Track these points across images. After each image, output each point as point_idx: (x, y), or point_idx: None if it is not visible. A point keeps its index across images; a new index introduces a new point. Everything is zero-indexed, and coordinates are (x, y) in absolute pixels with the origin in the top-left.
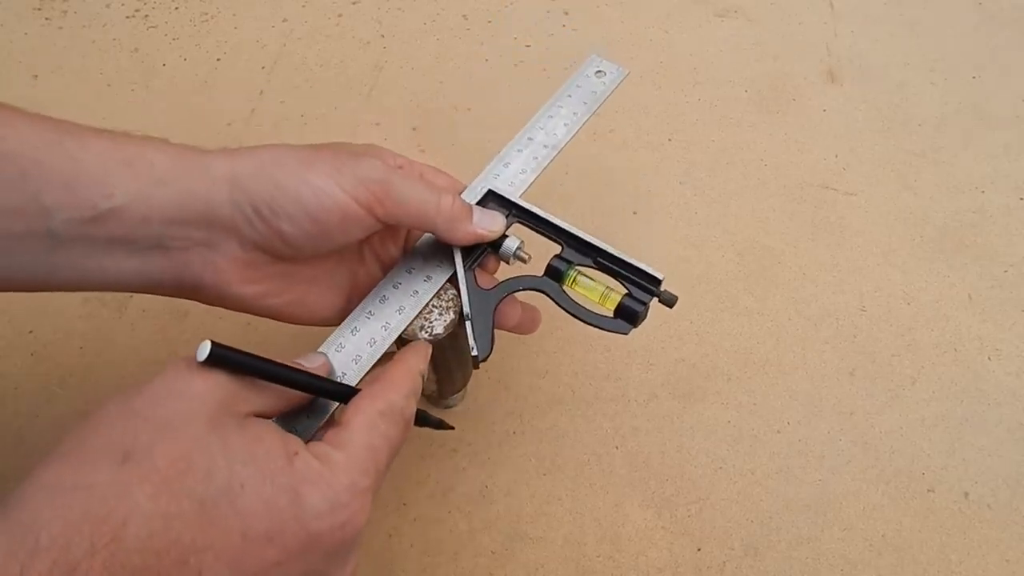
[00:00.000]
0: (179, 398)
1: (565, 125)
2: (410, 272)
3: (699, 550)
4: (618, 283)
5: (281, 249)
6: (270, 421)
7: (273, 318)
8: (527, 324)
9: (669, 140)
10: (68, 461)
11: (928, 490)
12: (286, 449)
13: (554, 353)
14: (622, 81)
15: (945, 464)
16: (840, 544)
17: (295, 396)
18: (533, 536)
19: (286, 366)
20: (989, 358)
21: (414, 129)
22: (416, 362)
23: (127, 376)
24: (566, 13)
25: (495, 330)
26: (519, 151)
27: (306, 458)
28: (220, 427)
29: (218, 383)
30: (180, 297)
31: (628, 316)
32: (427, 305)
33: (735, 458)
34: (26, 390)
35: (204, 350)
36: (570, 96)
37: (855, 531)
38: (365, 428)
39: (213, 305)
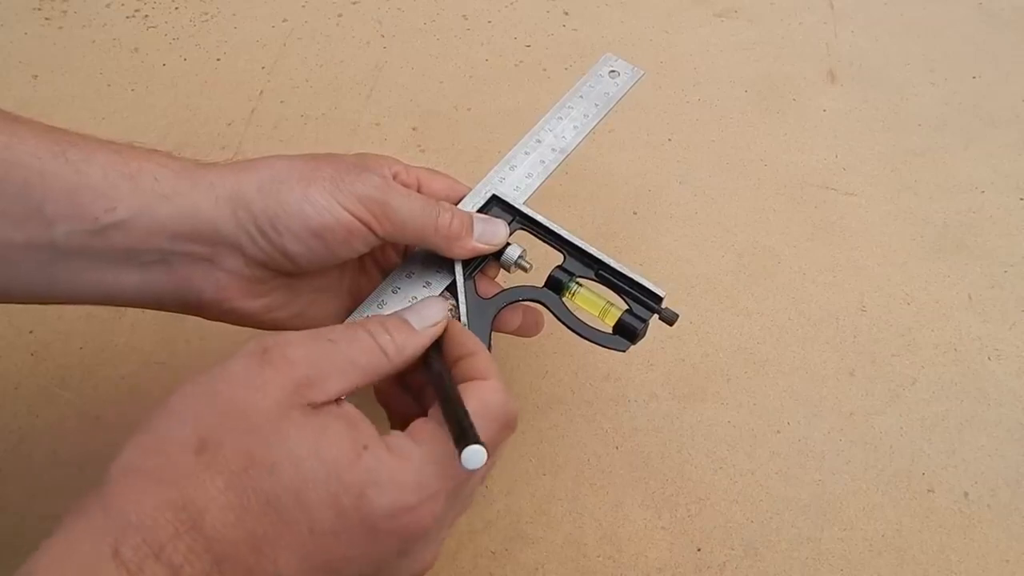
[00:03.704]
0: (248, 388)
1: (575, 128)
2: (410, 277)
3: (699, 550)
4: (619, 297)
5: (285, 265)
6: (343, 410)
7: (277, 330)
8: (529, 328)
9: (669, 140)
10: (148, 446)
11: (928, 490)
12: (354, 443)
13: (554, 353)
14: (637, 83)
15: (945, 464)
16: (840, 544)
17: (373, 374)
18: (533, 536)
19: None
20: (989, 358)
21: (414, 129)
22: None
23: (127, 376)
24: (566, 13)
25: (493, 334)
26: (526, 154)
27: (376, 453)
28: (285, 421)
29: (288, 376)
30: (182, 312)
31: (627, 333)
32: None
33: (735, 458)
34: (26, 390)
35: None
36: (581, 97)
37: (855, 531)
38: None
39: (216, 320)
